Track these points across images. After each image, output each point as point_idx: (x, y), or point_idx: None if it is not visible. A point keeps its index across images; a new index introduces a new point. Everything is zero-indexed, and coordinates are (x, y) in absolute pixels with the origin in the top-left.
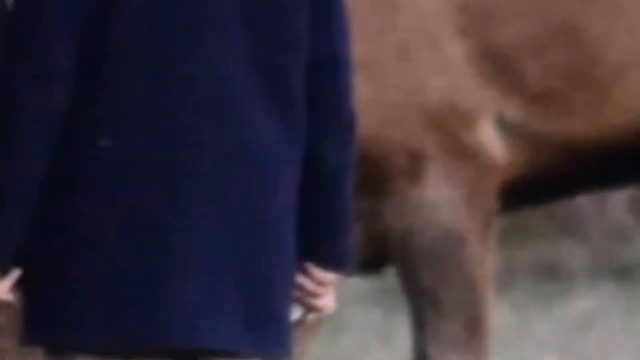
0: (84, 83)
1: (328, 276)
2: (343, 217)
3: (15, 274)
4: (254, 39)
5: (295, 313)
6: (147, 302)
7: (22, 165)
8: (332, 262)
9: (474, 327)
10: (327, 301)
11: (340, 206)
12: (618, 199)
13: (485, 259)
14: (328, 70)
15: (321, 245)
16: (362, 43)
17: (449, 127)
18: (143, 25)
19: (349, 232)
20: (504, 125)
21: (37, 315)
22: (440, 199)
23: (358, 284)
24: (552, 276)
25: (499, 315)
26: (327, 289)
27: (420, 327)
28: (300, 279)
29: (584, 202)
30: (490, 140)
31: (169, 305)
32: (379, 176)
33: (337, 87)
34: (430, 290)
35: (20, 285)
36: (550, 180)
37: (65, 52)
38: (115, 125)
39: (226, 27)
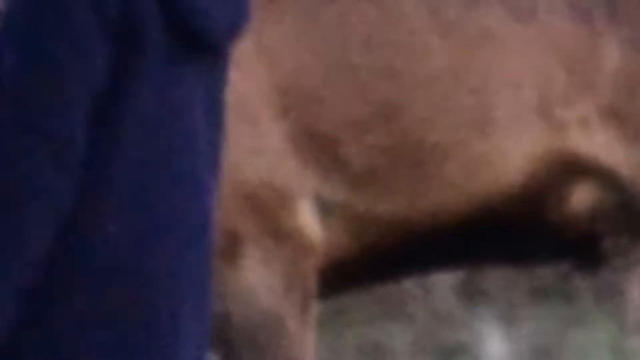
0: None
1: None
2: None
3: None
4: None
5: None
6: None
7: (23, 249)
8: None
9: None
10: None
11: None
12: (444, 281)
13: (305, 342)
14: None
15: None
16: None
17: (268, 209)
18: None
19: None
20: (324, 207)
21: None
22: (258, 282)
23: None
24: (377, 357)
25: None
26: None
27: None
28: None
29: (408, 284)
30: (310, 222)
31: None
32: None
33: None
34: None
35: None
36: (374, 262)
37: (80, 131)
38: (120, 212)
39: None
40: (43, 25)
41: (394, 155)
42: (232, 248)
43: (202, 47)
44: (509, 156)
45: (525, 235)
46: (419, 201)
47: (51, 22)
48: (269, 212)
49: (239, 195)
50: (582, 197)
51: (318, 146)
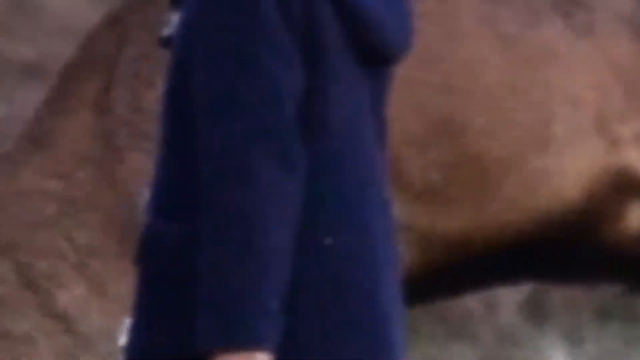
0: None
1: None
2: None
3: None
4: None
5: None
6: None
7: (277, 255)
8: None
9: None
10: None
11: None
12: (508, 300)
13: None
14: None
15: None
16: None
17: None
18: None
19: None
20: None
21: None
22: None
23: None
24: None
25: None
26: None
27: None
28: None
29: (473, 303)
30: None
31: None
32: None
33: None
34: None
35: None
36: (437, 278)
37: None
38: (335, 225)
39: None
40: (250, 39)
41: (454, 171)
42: None
43: (371, 59)
44: (567, 172)
45: (584, 253)
46: (479, 217)
47: (259, 37)
48: None
49: None
50: (638, 216)
51: None
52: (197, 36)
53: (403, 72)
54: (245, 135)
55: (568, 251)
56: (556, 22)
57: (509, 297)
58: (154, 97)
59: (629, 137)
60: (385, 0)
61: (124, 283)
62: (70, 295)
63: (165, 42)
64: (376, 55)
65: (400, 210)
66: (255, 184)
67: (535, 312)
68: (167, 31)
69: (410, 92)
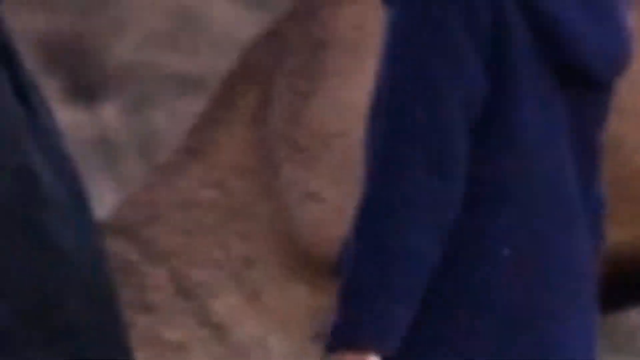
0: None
1: None
2: None
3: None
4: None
5: None
6: None
7: (414, 261)
8: None
9: None
10: None
11: None
12: None
13: None
14: None
15: None
16: None
17: None
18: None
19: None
20: None
21: None
22: None
23: None
24: None
25: None
26: None
27: None
28: None
29: (638, 318)
30: None
31: None
32: None
33: None
34: None
35: None
36: (603, 293)
37: (460, 140)
38: (515, 234)
39: None
40: (419, 40)
41: (614, 187)
42: None
43: (569, 80)
44: None
45: None
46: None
47: (426, 38)
48: None
49: None
50: None
51: None
52: (389, 38)
53: None
54: (402, 135)
55: None
56: None
57: None
58: (310, 111)
59: None
60: (592, 14)
61: (280, 294)
62: (225, 304)
63: None
64: (574, 75)
65: None
66: (402, 185)
67: None
68: None
69: None
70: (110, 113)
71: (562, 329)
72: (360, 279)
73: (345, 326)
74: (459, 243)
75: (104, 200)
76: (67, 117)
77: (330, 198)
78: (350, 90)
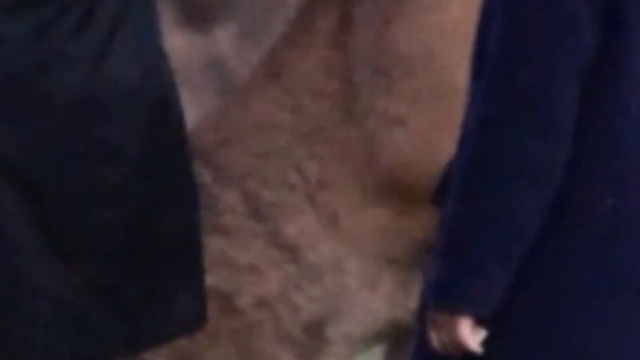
0: (586, 136)
1: None
2: None
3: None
4: None
5: None
6: None
7: (513, 224)
8: None
9: None
10: None
11: None
12: None
13: None
14: None
15: None
16: None
17: None
18: None
19: None
20: None
21: None
22: None
23: None
24: None
25: None
26: None
27: None
28: None
29: None
30: None
31: None
32: None
33: None
34: None
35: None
36: None
37: (569, 105)
38: (619, 182)
39: None
40: (533, 4)
41: None
42: None
43: None
44: None
45: None
46: None
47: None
48: None
49: None
50: None
51: None
52: None
53: None
54: (508, 101)
55: None
56: None
57: None
58: (392, 35)
59: None
60: None
61: (356, 217)
62: (298, 226)
63: None
64: None
65: None
66: (506, 147)
67: None
68: None
69: None
70: (224, 37)
71: None
72: (458, 239)
73: (439, 284)
74: (561, 199)
75: None
76: (179, 41)
77: (413, 123)
78: (436, 14)
